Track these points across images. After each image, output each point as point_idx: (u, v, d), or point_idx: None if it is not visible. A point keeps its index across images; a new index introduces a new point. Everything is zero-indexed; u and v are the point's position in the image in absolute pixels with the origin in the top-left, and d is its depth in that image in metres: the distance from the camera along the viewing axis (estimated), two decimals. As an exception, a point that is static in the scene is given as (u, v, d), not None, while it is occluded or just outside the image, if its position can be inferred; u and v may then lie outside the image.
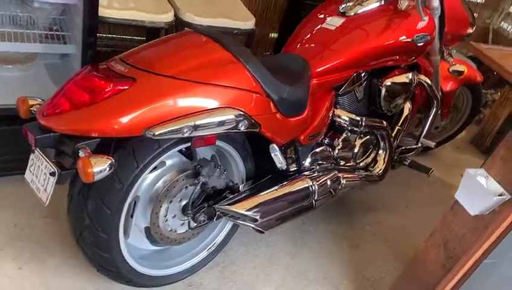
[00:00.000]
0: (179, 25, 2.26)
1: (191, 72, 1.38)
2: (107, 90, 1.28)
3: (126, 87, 1.30)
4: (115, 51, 2.69)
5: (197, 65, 1.42)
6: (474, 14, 2.41)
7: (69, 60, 2.07)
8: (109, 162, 1.22)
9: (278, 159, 1.69)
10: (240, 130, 1.47)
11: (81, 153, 1.23)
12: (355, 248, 2.19)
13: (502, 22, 4.03)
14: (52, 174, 1.28)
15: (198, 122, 1.34)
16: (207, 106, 1.38)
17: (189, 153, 1.62)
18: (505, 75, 1.40)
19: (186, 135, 1.33)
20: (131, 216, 1.55)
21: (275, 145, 1.67)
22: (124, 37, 2.77)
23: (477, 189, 1.35)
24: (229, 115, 1.42)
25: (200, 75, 1.38)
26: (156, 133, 1.28)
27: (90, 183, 1.26)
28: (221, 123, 1.40)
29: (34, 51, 1.99)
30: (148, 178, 1.54)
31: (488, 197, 1.32)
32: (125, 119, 1.26)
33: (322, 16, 2.01)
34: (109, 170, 1.23)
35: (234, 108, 1.43)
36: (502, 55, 1.52)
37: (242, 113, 1.45)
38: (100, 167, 1.20)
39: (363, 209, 2.45)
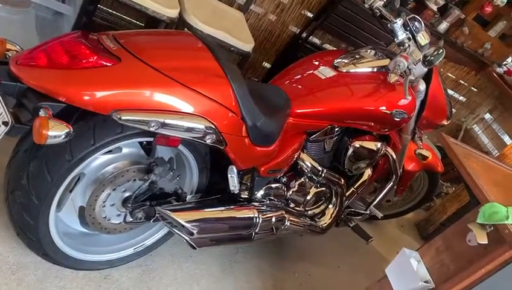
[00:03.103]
0: (180, 24, 2.26)
1: (177, 72, 1.38)
2: (89, 60, 1.27)
3: (109, 64, 1.28)
4: (109, 27, 2.65)
5: (184, 67, 1.42)
6: (453, 110, 2.53)
7: (62, 20, 2.04)
8: (67, 130, 1.19)
9: (233, 182, 1.69)
10: (205, 142, 1.47)
11: (41, 112, 1.20)
12: (278, 291, 2.19)
13: (475, 125, 4.25)
14: (5, 123, 1.22)
15: (167, 121, 1.34)
16: (181, 109, 1.38)
17: (149, 148, 1.61)
18: (461, 171, 1.47)
19: (151, 129, 1.32)
20: (70, 191, 1.51)
21: (234, 168, 1.67)
22: (123, 17, 2.74)
23: (407, 269, 1.39)
24: (200, 125, 1.42)
25: (184, 77, 1.38)
26: (123, 118, 1.27)
27: (40, 145, 1.22)
28: (190, 129, 1.40)
29: (30, -2, 1.95)
30: (99, 159, 1.51)
31: (414, 280, 1.37)
32: (96, 94, 1.25)
33: (317, 63, 2.07)
34: (64, 138, 1.19)
35: (207, 119, 1.43)
36: (465, 154, 1.60)
37: (213, 126, 1.45)
38: (56, 132, 1.17)
39: (297, 256, 2.46)
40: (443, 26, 3.30)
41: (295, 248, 2.49)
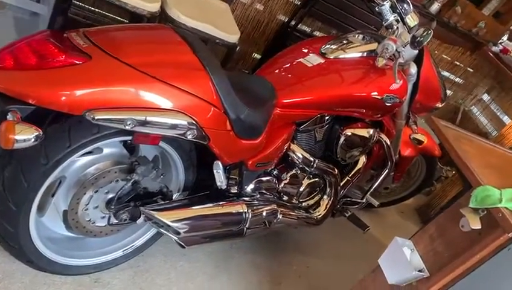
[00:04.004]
0: (162, 18, 2.20)
1: (152, 67, 1.32)
2: (58, 59, 1.22)
3: (79, 63, 1.24)
4: (92, 25, 2.59)
5: (160, 61, 1.37)
6: (449, 92, 2.47)
7: (38, 20, 1.99)
8: (36, 133, 1.14)
9: (220, 177, 1.64)
10: (186, 138, 1.42)
11: (9, 116, 1.15)
12: (275, 285, 2.14)
13: (473, 106, 4.18)
14: (-28, 129, 1.18)
15: (143, 118, 1.29)
16: (159, 105, 1.33)
17: (132, 147, 1.56)
18: (452, 154, 1.42)
19: (128, 127, 1.27)
20: (52, 195, 1.47)
21: (219, 163, 1.62)
22: (107, 14, 2.68)
23: (400, 259, 1.35)
24: (179, 121, 1.37)
25: (160, 72, 1.33)
26: (96, 118, 1.22)
27: (12, 149, 1.17)
28: (169, 126, 1.36)
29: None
30: (79, 161, 1.47)
31: (408, 270, 1.32)
32: (68, 95, 1.20)
33: (305, 51, 2.01)
34: (34, 142, 1.14)
35: (187, 115, 1.39)
36: (456, 137, 1.54)
37: (194, 122, 1.40)
38: (24, 136, 1.12)
39: (294, 249, 2.42)
40: (435, 7, 3.22)
41: (291, 240, 2.45)
